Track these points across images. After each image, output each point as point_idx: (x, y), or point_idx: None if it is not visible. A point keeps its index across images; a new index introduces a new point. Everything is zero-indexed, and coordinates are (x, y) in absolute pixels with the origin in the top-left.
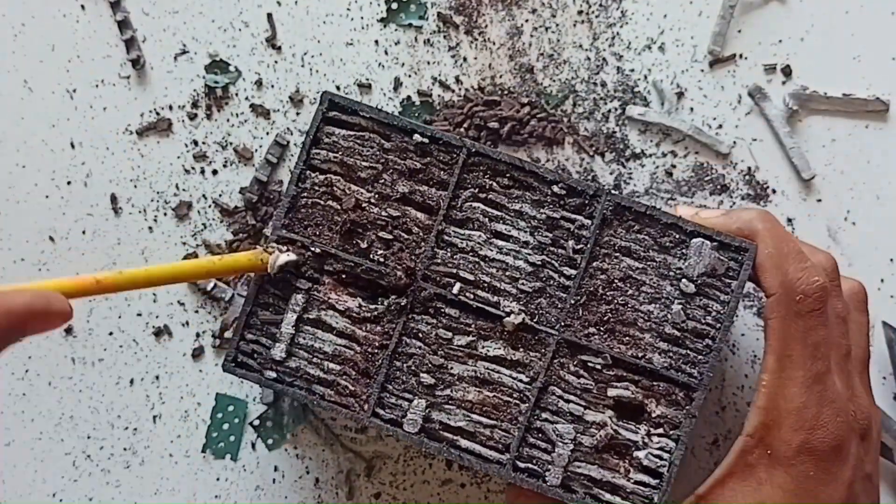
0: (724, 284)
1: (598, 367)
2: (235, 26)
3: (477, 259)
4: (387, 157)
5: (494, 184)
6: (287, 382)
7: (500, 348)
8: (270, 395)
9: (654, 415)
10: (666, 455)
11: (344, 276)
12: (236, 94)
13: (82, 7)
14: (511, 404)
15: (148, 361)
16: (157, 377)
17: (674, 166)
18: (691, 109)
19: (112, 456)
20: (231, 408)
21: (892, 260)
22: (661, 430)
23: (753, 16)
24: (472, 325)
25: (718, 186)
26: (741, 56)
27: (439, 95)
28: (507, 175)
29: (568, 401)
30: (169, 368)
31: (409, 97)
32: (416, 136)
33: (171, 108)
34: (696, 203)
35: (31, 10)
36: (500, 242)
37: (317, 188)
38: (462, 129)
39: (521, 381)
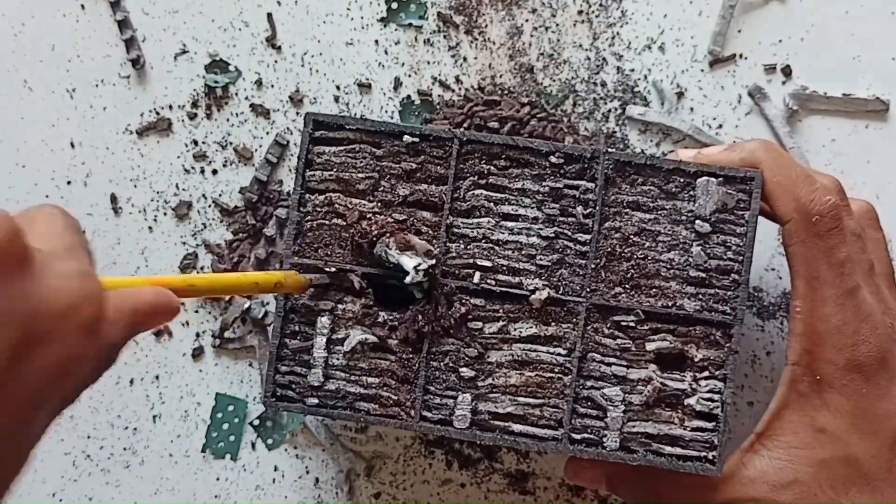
0: (738, 217)
1: (632, 324)
2: (235, 26)
3: (491, 245)
4: (381, 164)
5: (492, 167)
6: (330, 406)
7: (531, 327)
8: None
9: (696, 360)
10: (717, 396)
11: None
12: (236, 94)
13: (82, 7)
14: (554, 379)
15: (148, 361)
16: (157, 377)
17: None
18: (691, 109)
19: (112, 456)
20: (231, 408)
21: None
22: (706, 374)
23: (753, 16)
24: (500, 311)
25: None
26: (741, 56)
27: (439, 95)
28: (503, 156)
29: (609, 364)
30: (169, 368)
31: (408, 97)
32: (406, 138)
33: (171, 107)
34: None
35: (31, 10)
36: (510, 223)
37: (319, 209)
38: (462, 129)
39: (559, 354)
